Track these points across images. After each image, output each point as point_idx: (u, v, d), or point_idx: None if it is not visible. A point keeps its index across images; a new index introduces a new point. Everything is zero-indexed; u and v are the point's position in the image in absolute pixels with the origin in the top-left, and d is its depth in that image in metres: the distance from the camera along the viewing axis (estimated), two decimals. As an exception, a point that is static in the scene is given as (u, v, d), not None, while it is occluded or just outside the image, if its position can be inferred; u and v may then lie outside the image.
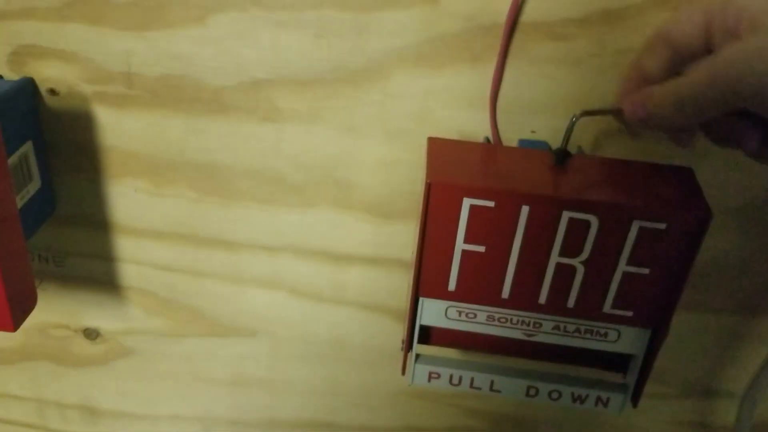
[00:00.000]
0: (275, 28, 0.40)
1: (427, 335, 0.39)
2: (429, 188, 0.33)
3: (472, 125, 0.41)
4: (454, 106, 0.41)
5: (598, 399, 0.38)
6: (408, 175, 0.44)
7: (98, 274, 0.51)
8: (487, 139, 0.41)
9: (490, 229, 0.33)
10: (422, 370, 0.39)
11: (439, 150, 0.36)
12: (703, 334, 0.48)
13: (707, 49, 0.31)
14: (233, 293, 0.50)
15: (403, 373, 0.39)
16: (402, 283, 0.48)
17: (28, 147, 0.44)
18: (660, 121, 0.32)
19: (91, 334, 0.55)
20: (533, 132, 0.41)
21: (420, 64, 0.40)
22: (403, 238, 0.46)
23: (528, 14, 0.38)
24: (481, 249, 0.34)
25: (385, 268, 0.48)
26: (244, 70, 0.42)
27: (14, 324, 0.41)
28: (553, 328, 0.36)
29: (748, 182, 0.41)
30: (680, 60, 0.33)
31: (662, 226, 0.32)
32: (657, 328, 0.35)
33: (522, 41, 0.38)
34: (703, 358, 0.49)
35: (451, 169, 0.34)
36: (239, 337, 0.53)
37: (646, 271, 0.33)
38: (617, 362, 0.38)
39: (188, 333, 0.53)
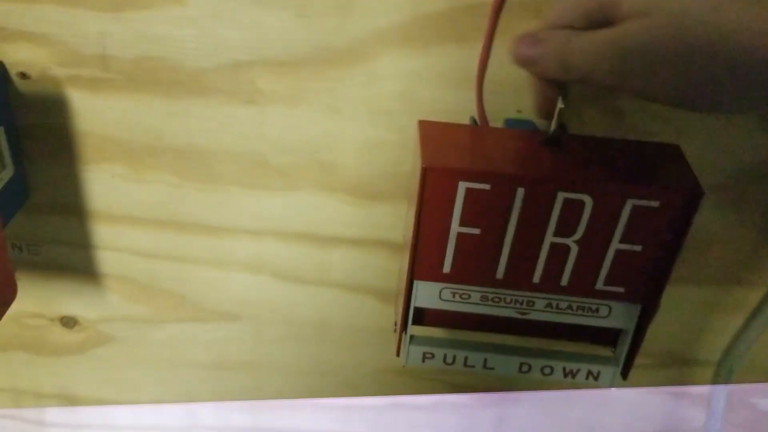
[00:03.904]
0: (257, 7, 0.39)
1: (421, 316, 0.39)
2: (425, 173, 0.33)
3: (458, 105, 0.41)
4: (440, 86, 0.41)
5: (589, 373, 0.39)
6: (392, 157, 0.43)
7: (75, 262, 0.50)
8: (473, 119, 0.41)
9: (485, 211, 0.33)
10: (417, 351, 0.39)
11: (431, 133, 0.36)
12: (681, 305, 0.49)
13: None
14: (216, 278, 0.50)
15: (398, 354, 0.39)
16: (386, 263, 0.48)
17: (0, 133, 0.42)
18: (543, 68, 0.33)
19: (68, 322, 0.53)
20: (519, 111, 0.41)
21: (406, 45, 0.39)
22: (387, 219, 0.46)
23: (515, -7, 0.37)
24: (476, 231, 0.34)
25: (370, 249, 0.47)
26: (225, 52, 0.41)
27: (-5, 317, 0.40)
28: (546, 306, 0.36)
29: (726, 160, 0.42)
30: None
31: (655, 204, 0.32)
32: (647, 302, 0.36)
33: (509, 20, 0.38)
34: (681, 328, 0.50)
35: (444, 152, 0.34)
36: (222, 321, 0.52)
37: (638, 248, 0.34)
38: (605, 336, 0.39)
39: (169, 319, 0.52)
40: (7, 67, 0.42)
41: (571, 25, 0.33)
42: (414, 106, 0.41)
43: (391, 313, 0.50)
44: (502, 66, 0.39)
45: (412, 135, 0.42)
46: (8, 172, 0.43)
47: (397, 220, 0.46)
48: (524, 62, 0.35)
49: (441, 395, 0.56)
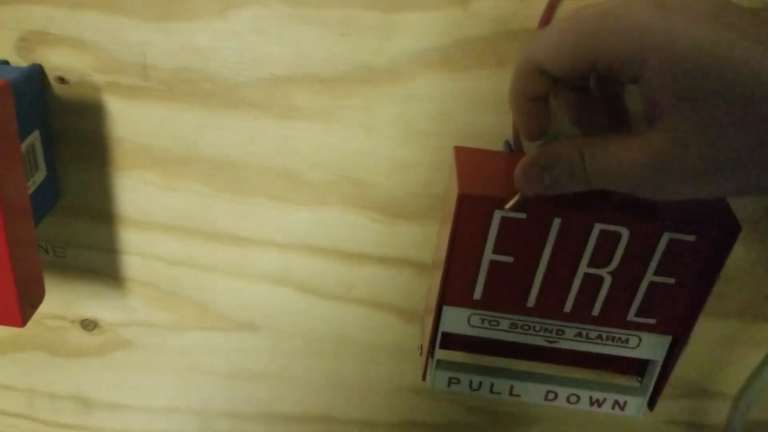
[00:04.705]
0: (299, 24, 0.39)
1: (446, 340, 0.39)
2: (460, 200, 0.33)
3: (492, 129, 0.41)
4: (476, 109, 0.41)
5: (615, 403, 0.39)
6: (424, 178, 0.44)
7: (100, 266, 0.50)
8: (507, 143, 0.41)
9: (520, 240, 0.34)
10: (443, 376, 0.39)
11: (467, 159, 0.36)
12: (702, 337, 0.49)
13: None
14: (239, 288, 0.50)
15: (424, 378, 0.39)
16: (410, 283, 0.48)
17: (35, 136, 0.42)
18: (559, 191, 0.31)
19: (88, 325, 0.54)
20: (554, 138, 0.41)
21: (444, 67, 0.40)
22: (414, 239, 0.46)
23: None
24: (510, 259, 0.34)
25: (395, 268, 0.47)
26: (264, 67, 0.41)
27: (23, 319, 0.40)
28: (576, 336, 0.36)
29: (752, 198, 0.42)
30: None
31: (691, 238, 0.33)
32: (678, 335, 0.36)
33: (550, 47, 0.38)
34: (701, 360, 0.50)
35: (480, 180, 0.34)
36: (242, 332, 0.52)
37: (672, 280, 0.34)
38: (632, 366, 0.39)
39: (190, 326, 0.52)
40: (46, 71, 0.42)
41: (551, 72, 0.29)
42: (448, 128, 0.42)
43: (413, 333, 0.50)
44: (539, 92, 0.40)
45: (445, 157, 0.42)
46: (41, 175, 0.44)
47: (424, 240, 0.46)
48: (536, 194, 0.32)
49: (455, 416, 0.55)
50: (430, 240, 0.45)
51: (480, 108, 0.41)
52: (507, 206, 0.32)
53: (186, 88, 0.42)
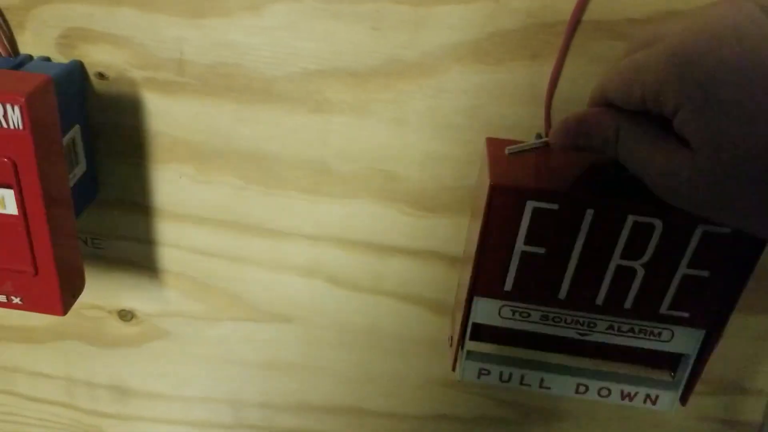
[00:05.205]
0: (330, 19, 0.40)
1: (477, 331, 0.39)
2: (492, 191, 0.33)
3: (525, 122, 0.41)
4: (508, 102, 0.41)
5: (647, 397, 0.38)
6: (455, 170, 0.44)
7: (137, 258, 0.51)
8: (539, 136, 0.41)
9: (552, 231, 0.34)
10: (473, 367, 0.39)
11: (499, 151, 0.36)
12: (736, 333, 0.48)
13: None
14: (271, 280, 0.51)
15: (454, 369, 0.40)
16: (441, 275, 0.48)
17: (75, 131, 0.44)
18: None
19: (126, 315, 0.55)
20: None
21: (476, 60, 0.40)
22: (445, 232, 0.46)
23: (591, 13, 0.38)
24: (541, 251, 0.34)
25: (425, 260, 0.48)
26: (297, 61, 0.41)
27: (63, 308, 0.42)
28: (608, 328, 0.36)
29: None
30: None
31: (726, 230, 0.32)
32: (712, 329, 0.36)
33: (583, 40, 0.38)
34: (735, 357, 0.50)
35: (512, 170, 0.34)
36: (274, 322, 0.53)
37: (706, 273, 0.34)
38: (663, 360, 0.39)
39: (224, 317, 0.53)
40: (86, 67, 0.43)
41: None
42: (480, 121, 0.42)
43: (443, 325, 0.50)
44: (573, 84, 0.40)
45: (477, 150, 0.42)
46: (81, 168, 0.45)
47: (455, 233, 0.46)
48: (567, 147, 0.34)
49: (486, 410, 0.56)
50: (460, 233, 0.46)
51: (512, 101, 0.41)
52: (518, 146, 0.34)
53: (221, 82, 0.43)
